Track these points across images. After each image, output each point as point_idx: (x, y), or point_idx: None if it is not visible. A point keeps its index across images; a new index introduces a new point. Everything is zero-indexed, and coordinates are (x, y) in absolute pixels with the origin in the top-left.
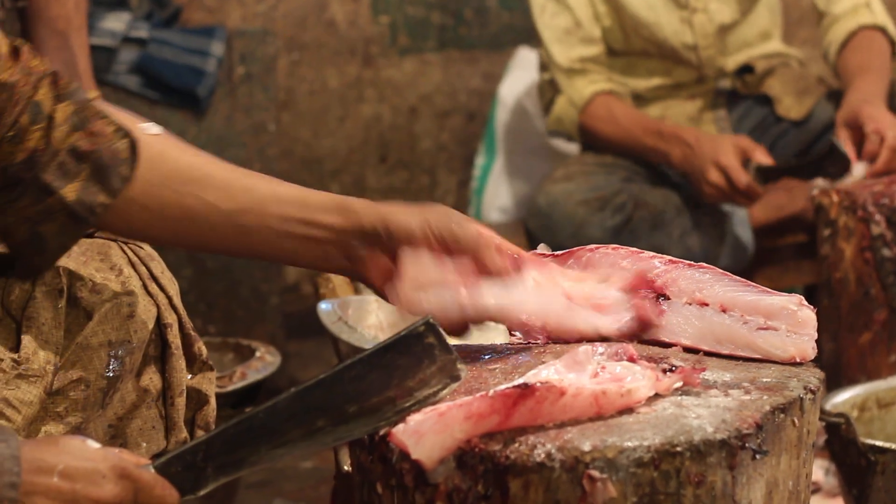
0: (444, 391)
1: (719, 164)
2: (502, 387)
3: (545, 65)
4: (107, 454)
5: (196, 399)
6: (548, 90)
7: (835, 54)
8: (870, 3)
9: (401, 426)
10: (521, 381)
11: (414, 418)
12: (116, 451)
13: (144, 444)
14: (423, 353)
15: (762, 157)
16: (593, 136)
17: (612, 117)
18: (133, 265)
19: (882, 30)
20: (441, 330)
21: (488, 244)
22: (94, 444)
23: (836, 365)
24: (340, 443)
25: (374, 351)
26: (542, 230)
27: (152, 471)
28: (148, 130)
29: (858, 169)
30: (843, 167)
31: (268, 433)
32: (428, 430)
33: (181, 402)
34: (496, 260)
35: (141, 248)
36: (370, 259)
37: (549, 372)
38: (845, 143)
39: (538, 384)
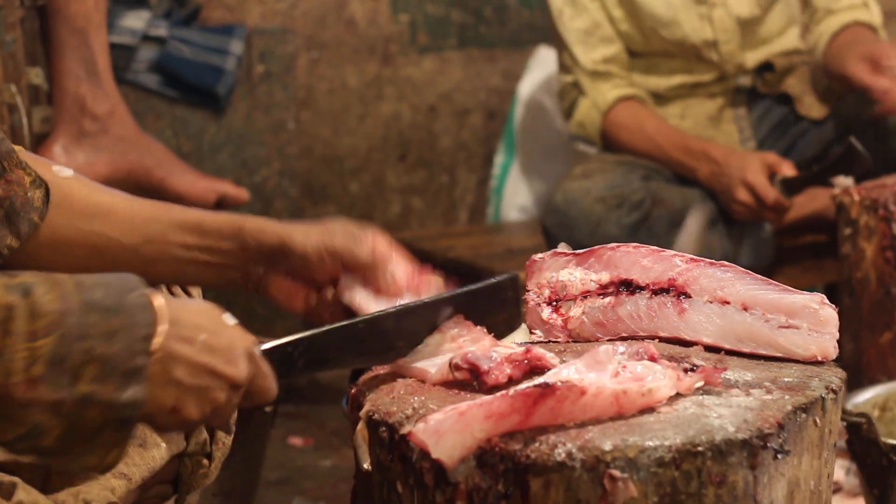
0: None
1: (747, 182)
2: (522, 386)
3: (567, 67)
4: (241, 333)
5: None
6: (570, 92)
7: (825, 44)
8: (867, 3)
9: (421, 425)
10: (541, 380)
11: (434, 417)
12: (243, 329)
13: (164, 445)
14: (497, 303)
15: (788, 171)
16: (617, 143)
17: (638, 126)
18: None
19: (875, 30)
20: (521, 286)
21: (382, 265)
22: (231, 320)
23: (857, 364)
24: (407, 363)
25: (463, 293)
26: (560, 228)
27: (260, 353)
28: (60, 173)
29: None
30: (862, 166)
31: (358, 343)
32: (448, 430)
33: None
34: (386, 281)
35: None
36: (271, 279)
37: (569, 371)
38: (863, 76)
39: (559, 383)
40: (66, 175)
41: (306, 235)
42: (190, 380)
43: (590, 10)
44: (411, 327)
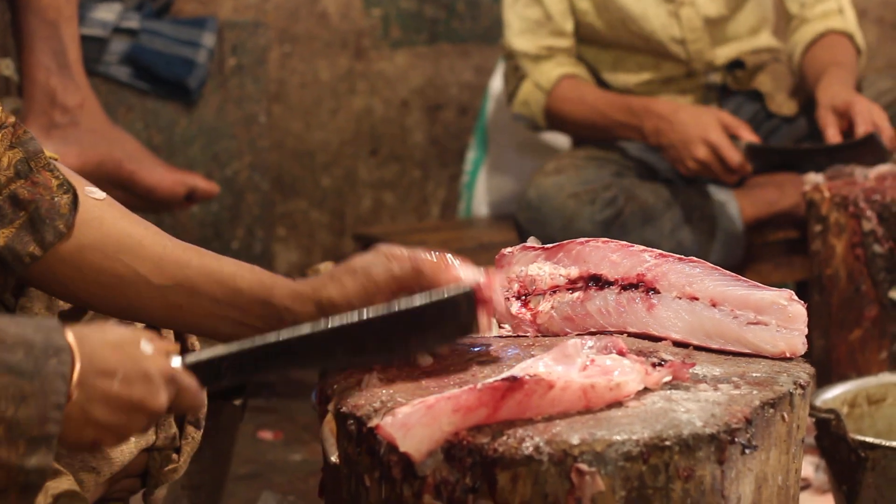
0: (455, 341)
1: (708, 140)
2: (490, 380)
3: (510, 53)
4: (157, 358)
5: None
6: (512, 76)
7: (801, 53)
8: (843, 10)
9: (388, 418)
10: (509, 373)
11: (402, 410)
12: (159, 344)
13: (133, 439)
14: (450, 316)
15: (748, 135)
16: (560, 118)
17: (581, 97)
18: None
19: (850, 37)
20: (475, 300)
21: (428, 269)
22: (147, 347)
23: (827, 361)
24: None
25: (412, 307)
26: (533, 223)
27: (181, 366)
28: (92, 194)
29: None
30: (880, 158)
31: (292, 357)
32: (416, 423)
33: None
34: (446, 268)
35: None
36: None
37: (537, 365)
38: (826, 124)
39: (526, 377)
40: (99, 197)
41: (343, 289)
42: (110, 418)
43: (545, 3)
44: (352, 343)
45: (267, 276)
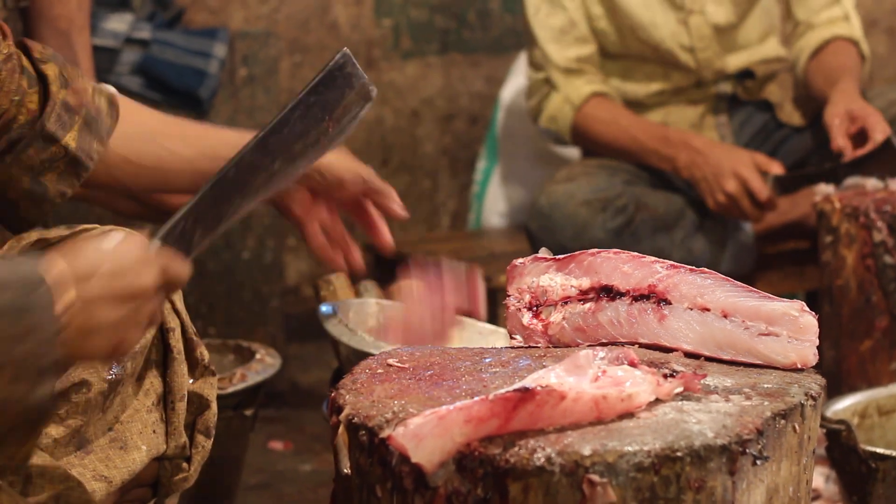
0: (362, 112)
1: (739, 174)
2: (502, 390)
3: (538, 64)
4: (133, 241)
5: (197, 404)
6: (541, 88)
7: (806, 59)
8: (848, 17)
9: (400, 429)
10: (521, 384)
11: (414, 421)
12: (136, 236)
13: (144, 448)
14: (345, 82)
15: (777, 170)
16: (588, 136)
17: (613, 118)
18: None
19: (856, 44)
20: (354, 59)
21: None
22: (115, 236)
23: (837, 372)
24: (291, 180)
25: (308, 89)
26: (544, 231)
27: (159, 245)
28: (109, 90)
29: None
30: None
31: (238, 185)
32: (428, 434)
33: (182, 406)
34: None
35: None
36: (294, 194)
37: (549, 376)
38: (835, 132)
39: (538, 388)
40: (114, 91)
41: (339, 159)
42: (111, 315)
43: (567, 9)
44: (278, 147)
45: None
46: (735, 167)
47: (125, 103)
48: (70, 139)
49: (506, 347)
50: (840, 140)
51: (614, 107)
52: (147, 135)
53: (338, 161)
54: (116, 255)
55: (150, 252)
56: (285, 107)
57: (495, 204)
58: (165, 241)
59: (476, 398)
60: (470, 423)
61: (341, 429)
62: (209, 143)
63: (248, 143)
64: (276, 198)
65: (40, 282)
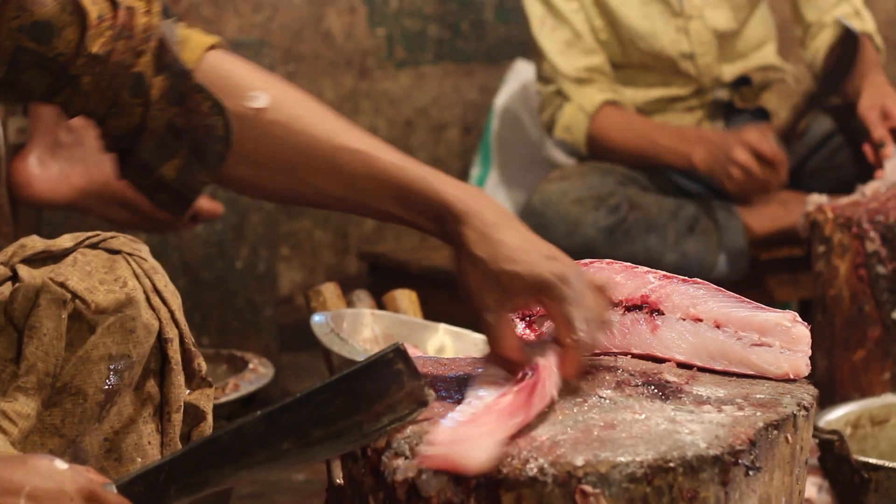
0: (411, 416)
1: (743, 140)
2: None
3: (548, 78)
4: (74, 475)
5: (193, 415)
6: (553, 101)
7: (823, 59)
8: (859, 12)
9: (431, 446)
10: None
11: (443, 430)
12: (83, 469)
13: (139, 459)
14: (391, 379)
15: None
16: (604, 143)
17: (628, 124)
18: (137, 277)
19: (870, 37)
20: (410, 356)
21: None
22: (61, 465)
23: (830, 382)
24: (304, 464)
25: (343, 376)
26: (537, 229)
27: (115, 490)
28: (254, 104)
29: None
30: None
31: (233, 454)
32: (471, 435)
33: (178, 417)
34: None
35: (145, 260)
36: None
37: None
38: (872, 121)
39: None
40: (260, 106)
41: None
42: None
43: (572, 21)
44: (291, 426)
45: (438, 184)
46: (739, 137)
47: (263, 119)
48: (169, 169)
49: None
50: (879, 131)
51: (627, 113)
52: (283, 164)
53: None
54: (49, 480)
55: (91, 490)
56: (312, 386)
57: None
58: (127, 490)
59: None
60: (503, 415)
61: None
62: (364, 187)
63: (254, 414)
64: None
65: None
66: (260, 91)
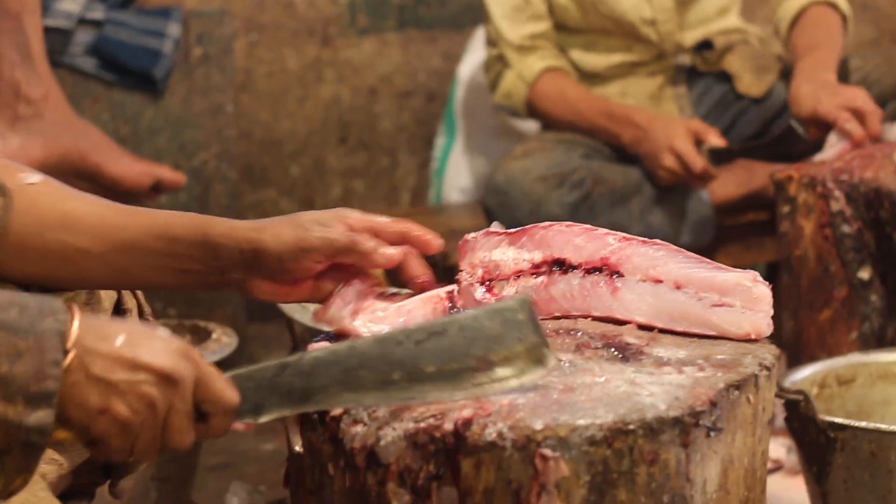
0: (527, 375)
1: (674, 149)
2: None
3: (493, 41)
4: (174, 338)
5: None
6: (495, 65)
7: (785, 30)
8: None
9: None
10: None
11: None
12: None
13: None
14: (512, 328)
15: (715, 140)
16: (542, 113)
17: (562, 96)
18: None
19: (833, 5)
20: (536, 312)
21: (362, 240)
22: (164, 330)
23: (796, 342)
24: (412, 402)
25: (463, 314)
26: (500, 207)
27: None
28: (26, 180)
29: (833, 142)
30: (802, 148)
31: (342, 373)
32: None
33: None
34: (373, 254)
35: None
36: (251, 281)
37: None
38: (837, 115)
39: None
40: (33, 181)
41: (277, 236)
42: (112, 375)
43: None
44: (404, 357)
45: (201, 218)
46: (670, 142)
47: (35, 191)
48: None
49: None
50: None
51: (564, 82)
52: (50, 228)
53: (274, 239)
54: (146, 334)
55: (188, 350)
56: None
57: (455, 180)
58: (236, 382)
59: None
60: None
61: None
62: (126, 236)
63: (369, 337)
64: (240, 288)
65: (60, 311)
66: (31, 173)
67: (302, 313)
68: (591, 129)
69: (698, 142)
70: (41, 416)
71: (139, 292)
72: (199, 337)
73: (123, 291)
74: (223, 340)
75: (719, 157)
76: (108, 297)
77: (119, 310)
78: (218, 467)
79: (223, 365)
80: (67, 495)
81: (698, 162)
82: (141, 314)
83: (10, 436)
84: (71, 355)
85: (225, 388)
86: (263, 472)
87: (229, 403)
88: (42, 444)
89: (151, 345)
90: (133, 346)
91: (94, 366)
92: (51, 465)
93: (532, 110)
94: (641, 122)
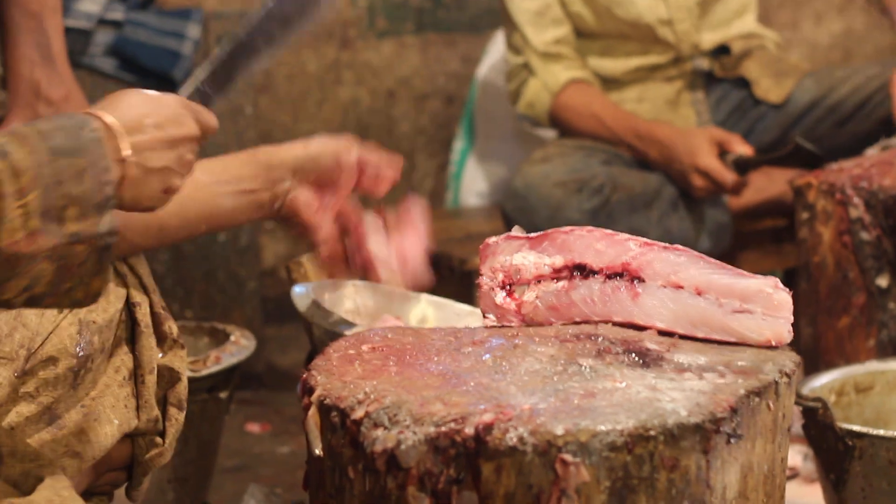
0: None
1: (699, 168)
2: None
3: (517, 48)
4: (169, 96)
5: (168, 377)
6: (520, 73)
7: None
8: None
9: None
10: None
11: None
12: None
13: (116, 421)
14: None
15: (739, 148)
16: (565, 123)
17: (587, 108)
18: None
19: None
20: None
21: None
22: (151, 91)
23: (815, 349)
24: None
25: None
26: (519, 213)
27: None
28: None
29: None
30: (812, 161)
31: (246, 50)
32: None
33: (151, 379)
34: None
35: None
36: (297, 197)
37: None
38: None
39: None
40: None
41: (323, 143)
42: (163, 159)
43: None
44: (282, 14)
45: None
46: (694, 161)
47: None
48: None
49: (479, 327)
50: None
51: (588, 93)
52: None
53: (322, 145)
54: (159, 106)
55: (184, 102)
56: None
57: (473, 184)
58: (190, 98)
59: None
60: None
61: (313, 410)
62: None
63: (258, 12)
64: (283, 207)
65: (89, 123)
66: None
67: (321, 316)
68: (617, 143)
69: (722, 152)
70: (108, 221)
71: (152, 287)
72: (217, 339)
73: (132, 287)
74: (241, 342)
75: (745, 167)
76: (116, 292)
77: (129, 304)
78: (234, 469)
79: (242, 367)
80: (87, 496)
81: (727, 178)
82: (152, 307)
83: (89, 247)
84: (124, 154)
85: (211, 119)
86: (280, 474)
87: (215, 125)
88: (112, 243)
89: (173, 117)
90: (163, 127)
91: (149, 160)
92: (70, 458)
93: (555, 121)
94: (664, 138)
